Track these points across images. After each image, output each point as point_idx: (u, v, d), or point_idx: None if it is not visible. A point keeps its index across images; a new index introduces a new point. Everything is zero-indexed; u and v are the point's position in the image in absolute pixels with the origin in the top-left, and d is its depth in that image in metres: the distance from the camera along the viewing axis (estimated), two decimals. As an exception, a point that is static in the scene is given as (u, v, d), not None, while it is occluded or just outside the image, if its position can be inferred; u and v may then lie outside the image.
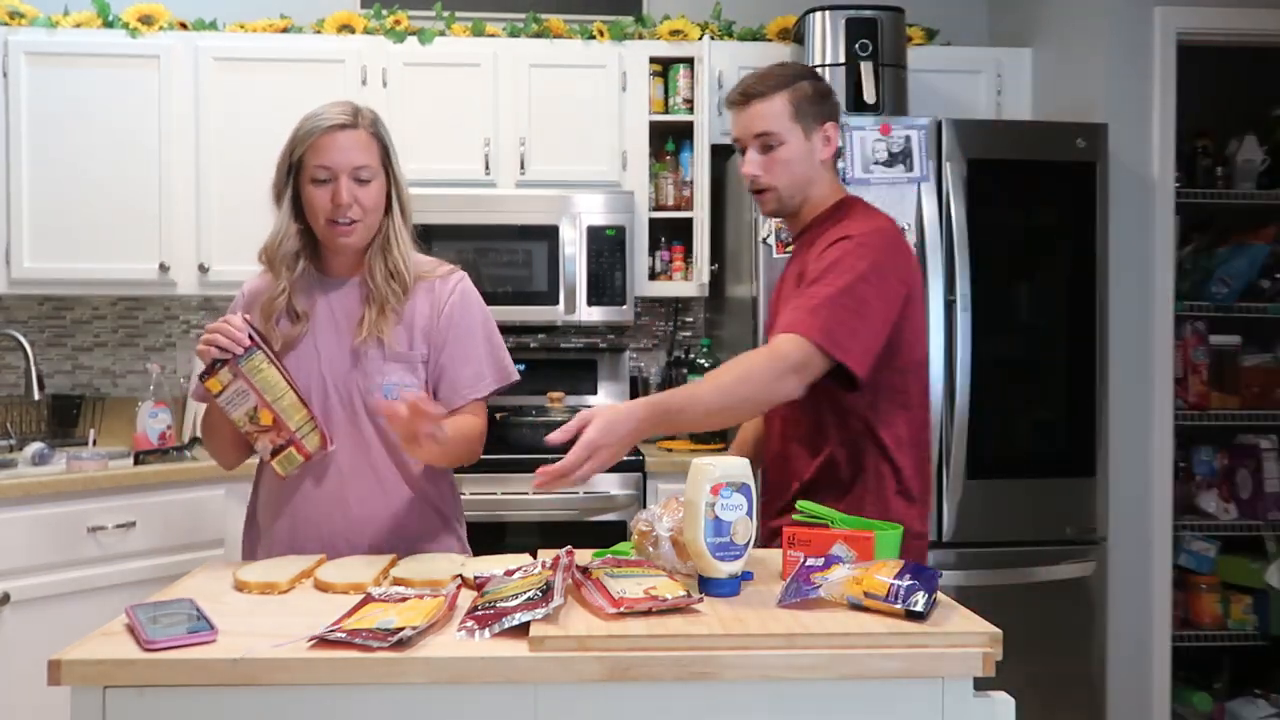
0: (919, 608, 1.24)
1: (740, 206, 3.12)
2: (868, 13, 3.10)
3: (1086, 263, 2.88)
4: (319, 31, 3.38)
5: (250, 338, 1.66)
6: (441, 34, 3.37)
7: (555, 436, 1.48)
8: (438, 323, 1.81)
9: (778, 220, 2.23)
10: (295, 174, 1.75)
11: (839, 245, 1.73)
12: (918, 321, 1.82)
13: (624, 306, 3.25)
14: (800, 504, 1.61)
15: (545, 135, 3.32)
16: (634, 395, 3.59)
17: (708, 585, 1.37)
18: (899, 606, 1.25)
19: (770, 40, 3.44)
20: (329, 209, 1.72)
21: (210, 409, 1.78)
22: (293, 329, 1.77)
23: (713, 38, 3.36)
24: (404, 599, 1.33)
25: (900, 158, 2.80)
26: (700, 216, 3.33)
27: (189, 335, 3.57)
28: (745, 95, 1.84)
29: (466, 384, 1.81)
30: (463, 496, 2.87)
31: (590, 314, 3.24)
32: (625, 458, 2.96)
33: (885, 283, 1.71)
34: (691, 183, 3.44)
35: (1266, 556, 3.23)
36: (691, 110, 3.39)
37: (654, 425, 1.55)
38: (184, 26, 3.31)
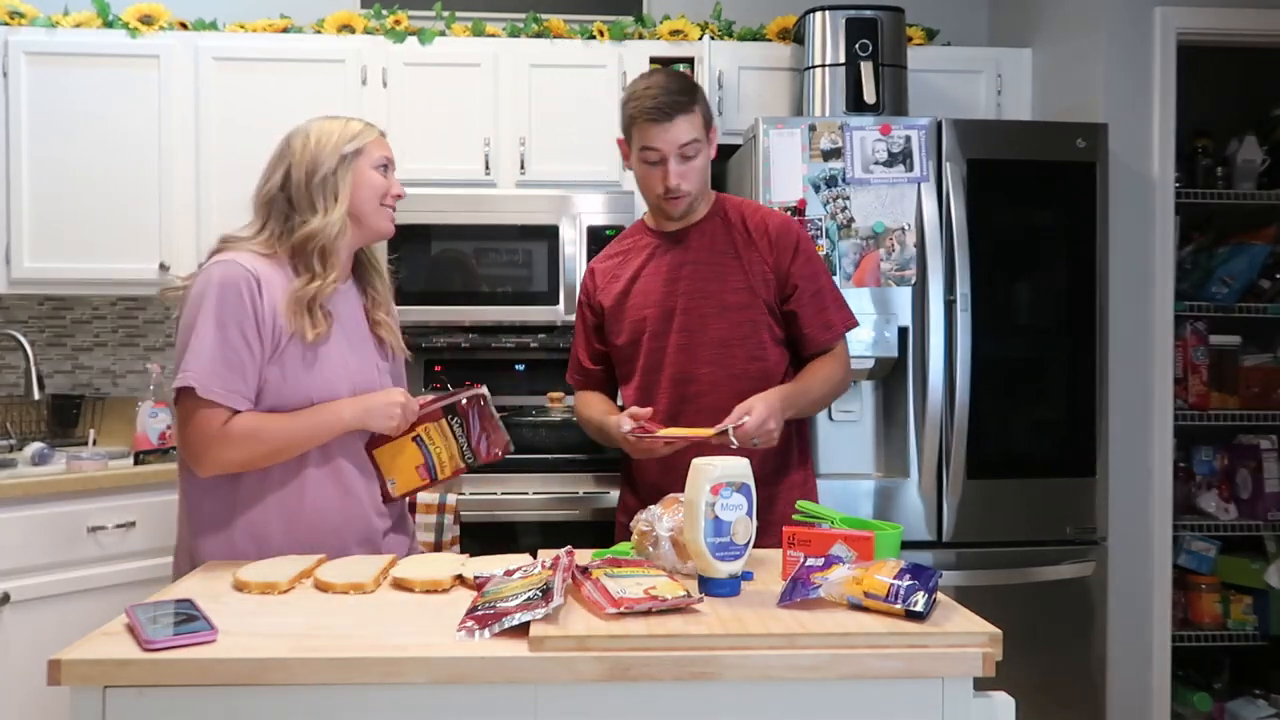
0: (919, 608, 1.24)
1: (740, 206, 3.12)
2: (868, 13, 3.10)
3: (1086, 263, 2.88)
4: (319, 31, 3.38)
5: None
6: (441, 34, 3.37)
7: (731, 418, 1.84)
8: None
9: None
10: (347, 165, 1.81)
11: (805, 244, 2.10)
12: None
13: (624, 306, 3.25)
14: (800, 504, 1.61)
15: (545, 135, 3.32)
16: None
17: (708, 585, 1.37)
18: (899, 606, 1.25)
19: (770, 40, 3.44)
20: (385, 195, 1.85)
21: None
22: (324, 323, 1.76)
23: (713, 38, 3.36)
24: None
25: (900, 158, 2.80)
26: (700, 216, 3.33)
27: (189, 335, 3.57)
28: (669, 110, 1.96)
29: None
30: (462, 496, 2.91)
31: (590, 314, 3.24)
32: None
33: None
34: (691, 183, 3.44)
35: (1266, 556, 3.23)
36: (691, 110, 3.39)
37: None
38: (184, 26, 3.31)
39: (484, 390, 1.86)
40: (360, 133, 1.83)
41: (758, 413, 1.86)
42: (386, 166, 1.86)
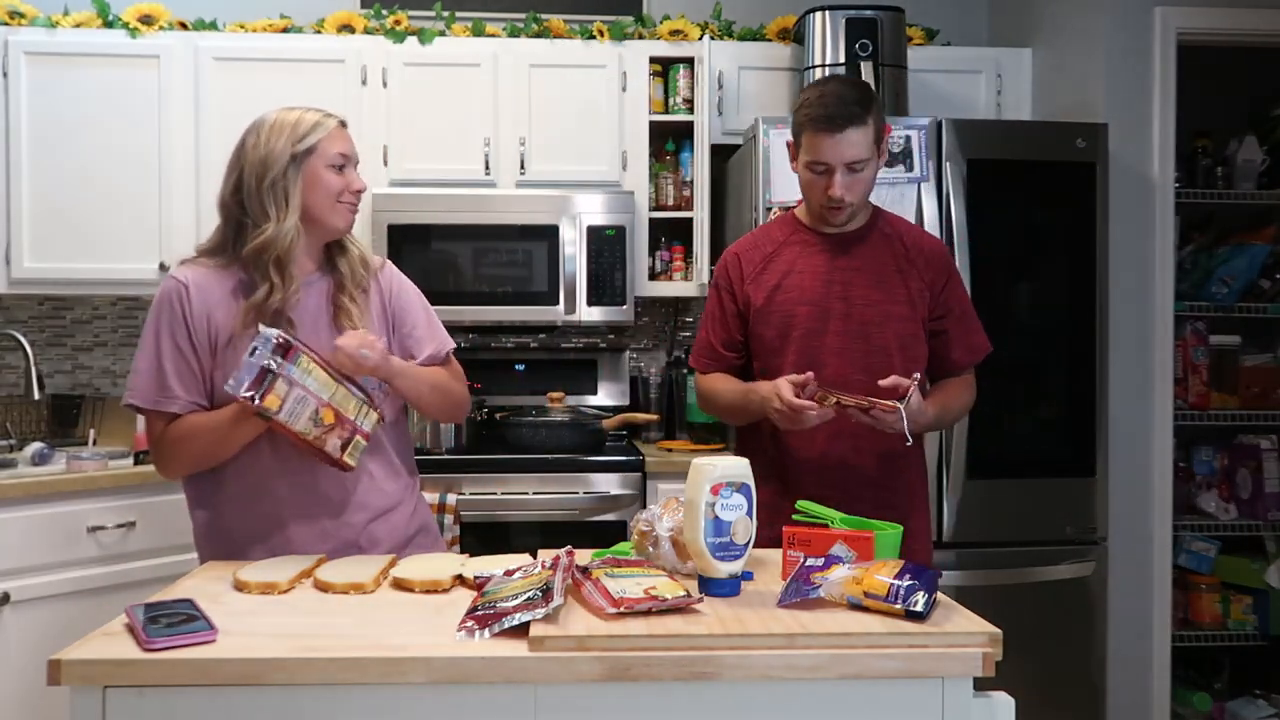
0: (919, 608, 1.24)
1: (740, 206, 3.12)
2: (868, 13, 3.10)
3: (1086, 263, 2.88)
4: (319, 31, 3.38)
5: (289, 342, 1.62)
6: (441, 34, 3.37)
7: (887, 383, 1.83)
8: (389, 307, 1.88)
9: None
10: (299, 165, 1.73)
11: (955, 269, 2.11)
12: None
13: (624, 306, 3.25)
14: (800, 504, 1.61)
15: (545, 135, 3.32)
16: (634, 395, 3.59)
17: (708, 585, 1.37)
18: (899, 606, 1.25)
19: (770, 40, 3.44)
20: (343, 193, 1.77)
21: (181, 428, 1.70)
22: (288, 334, 1.71)
23: (713, 38, 3.36)
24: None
25: (900, 158, 2.80)
26: (700, 216, 3.33)
27: (189, 335, 3.57)
28: (840, 120, 1.90)
29: (430, 357, 1.89)
30: (462, 496, 2.91)
31: (590, 314, 3.24)
32: (624, 458, 2.99)
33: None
34: (691, 183, 3.44)
35: (1266, 556, 3.23)
36: (691, 110, 3.39)
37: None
38: (184, 26, 3.31)
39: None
40: (314, 127, 1.75)
41: (918, 398, 1.85)
42: (344, 165, 1.77)
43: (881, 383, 1.83)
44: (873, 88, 2.03)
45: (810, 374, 1.86)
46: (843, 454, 1.99)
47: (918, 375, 1.87)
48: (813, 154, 1.94)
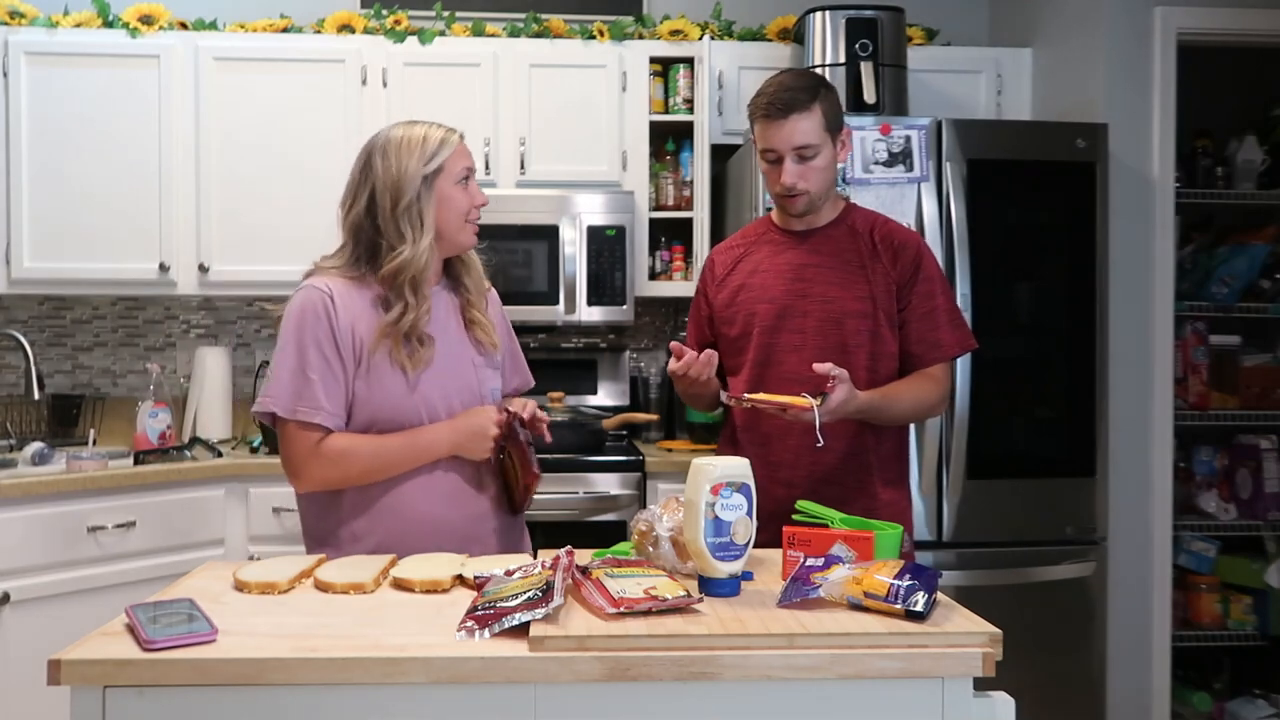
0: (919, 608, 1.24)
1: (740, 206, 3.12)
2: (868, 13, 3.10)
3: (1086, 263, 2.88)
4: (319, 31, 3.38)
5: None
6: (441, 34, 3.37)
7: (822, 368, 1.80)
8: (497, 331, 1.92)
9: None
10: (430, 186, 1.75)
11: (927, 262, 2.03)
12: None
13: (624, 306, 3.25)
14: (800, 504, 1.61)
15: (545, 135, 3.32)
16: (634, 395, 3.59)
17: (708, 585, 1.37)
18: (899, 606, 1.25)
19: (770, 40, 3.44)
20: (470, 210, 1.82)
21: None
22: (422, 351, 1.74)
23: (713, 38, 3.36)
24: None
25: (900, 158, 2.80)
26: (700, 216, 3.33)
27: (189, 335, 3.57)
28: (783, 107, 1.92)
29: (519, 389, 2.00)
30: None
31: (590, 314, 3.25)
32: (624, 458, 2.99)
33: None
34: (691, 183, 3.44)
35: (1266, 556, 3.23)
36: (691, 110, 3.39)
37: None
38: (184, 26, 3.31)
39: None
40: (440, 146, 1.76)
41: (841, 391, 1.80)
42: (467, 178, 1.81)
43: (816, 367, 1.81)
44: (826, 79, 2.03)
45: (712, 353, 1.90)
46: (801, 454, 1.97)
47: (842, 371, 1.82)
48: (763, 142, 1.97)
